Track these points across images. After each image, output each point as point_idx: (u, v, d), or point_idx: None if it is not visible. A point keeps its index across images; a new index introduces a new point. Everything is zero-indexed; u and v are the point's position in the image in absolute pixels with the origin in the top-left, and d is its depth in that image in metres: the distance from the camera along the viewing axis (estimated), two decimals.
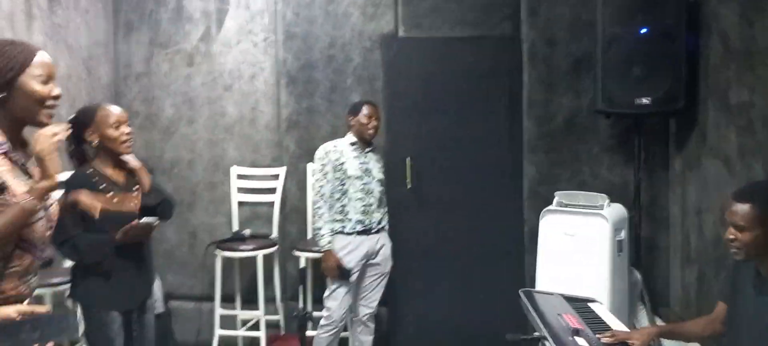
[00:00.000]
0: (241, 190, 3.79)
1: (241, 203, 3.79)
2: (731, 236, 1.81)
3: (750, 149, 2.61)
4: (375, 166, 3.15)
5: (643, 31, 3.04)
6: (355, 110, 3.14)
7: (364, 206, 3.06)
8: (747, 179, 2.55)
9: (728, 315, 1.96)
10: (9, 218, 1.34)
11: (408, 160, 3.56)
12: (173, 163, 3.89)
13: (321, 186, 3.05)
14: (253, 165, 3.85)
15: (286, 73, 3.81)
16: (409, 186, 3.55)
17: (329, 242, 3.00)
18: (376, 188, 3.11)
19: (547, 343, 1.99)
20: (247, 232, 3.59)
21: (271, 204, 3.76)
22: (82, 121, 2.18)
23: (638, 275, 3.26)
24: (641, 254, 3.33)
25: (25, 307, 1.04)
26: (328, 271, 3.03)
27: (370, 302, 3.21)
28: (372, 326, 3.27)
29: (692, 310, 3.16)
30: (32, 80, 1.44)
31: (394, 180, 3.43)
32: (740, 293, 1.90)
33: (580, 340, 1.95)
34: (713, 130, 2.94)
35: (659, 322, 3.21)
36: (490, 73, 3.61)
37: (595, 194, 3.08)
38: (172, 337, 3.67)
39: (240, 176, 3.80)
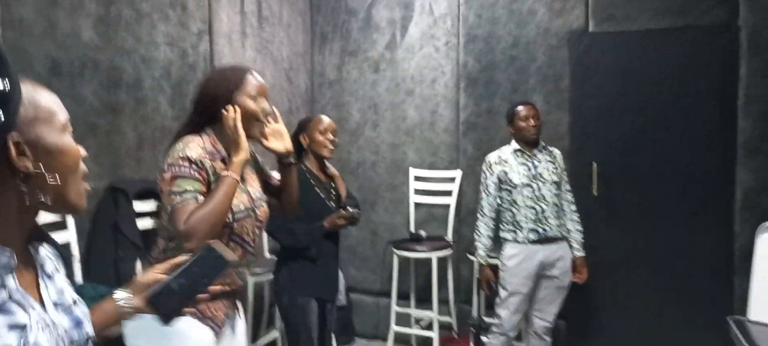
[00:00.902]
0: (418, 192, 3.87)
1: (418, 205, 3.87)
2: None
3: None
4: (546, 169, 2.93)
5: None
6: (510, 115, 2.98)
7: (535, 213, 2.88)
8: None
9: None
10: (222, 190, 1.54)
11: (594, 164, 3.29)
12: (358, 164, 4.13)
13: (481, 199, 2.98)
14: (431, 167, 3.90)
15: (466, 76, 3.79)
16: (595, 193, 3.27)
17: (482, 256, 2.95)
18: (548, 193, 2.90)
19: None
20: (423, 233, 3.65)
21: (447, 206, 3.77)
22: (301, 126, 2.59)
23: None
24: None
25: (163, 265, 1.10)
26: (481, 285, 3.01)
27: (545, 316, 3.01)
28: (548, 339, 3.06)
29: None
30: (246, 98, 1.64)
31: (579, 186, 3.19)
32: None
33: None
34: None
35: None
36: (696, 66, 3.17)
37: None
38: (352, 328, 3.88)
39: (417, 178, 3.88)
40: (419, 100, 3.96)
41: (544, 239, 2.89)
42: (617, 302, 3.26)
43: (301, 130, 2.58)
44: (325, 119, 2.58)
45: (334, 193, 2.59)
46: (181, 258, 1.09)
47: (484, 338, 3.07)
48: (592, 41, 3.43)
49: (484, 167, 2.99)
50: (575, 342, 3.34)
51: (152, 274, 1.09)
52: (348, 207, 2.46)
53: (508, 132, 3.01)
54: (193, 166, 1.54)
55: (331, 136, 2.53)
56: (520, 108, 2.95)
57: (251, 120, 1.65)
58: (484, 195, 2.97)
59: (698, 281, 3.12)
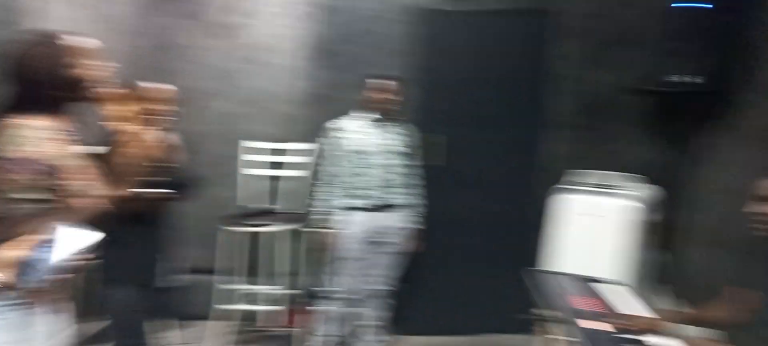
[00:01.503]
0: (266, 165, 3.79)
1: (268, 178, 3.81)
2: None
3: None
4: (396, 141, 3.11)
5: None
6: (370, 85, 3.09)
7: (381, 182, 3.03)
8: None
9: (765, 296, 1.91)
10: None
11: (435, 137, 3.55)
12: (201, 137, 3.74)
13: (322, 165, 3.05)
14: (281, 140, 3.85)
15: (319, 47, 3.79)
16: (438, 165, 3.55)
17: (326, 221, 3.02)
18: (393, 163, 3.07)
19: (556, 325, 2.02)
20: (273, 207, 3.64)
21: (299, 179, 3.78)
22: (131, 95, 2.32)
23: (661, 257, 3.21)
24: (667, 236, 3.28)
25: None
26: (326, 248, 3.06)
27: (382, 280, 3.20)
28: (387, 302, 3.28)
29: (718, 293, 3.10)
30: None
31: (424, 158, 3.40)
32: None
33: (594, 323, 1.96)
34: (748, 112, 2.85)
35: (683, 305, 3.18)
36: (524, 46, 3.54)
37: (624, 174, 3.04)
38: (179, 311, 3.64)
39: (266, 151, 3.79)
40: (268, 70, 3.89)
41: (384, 207, 3.05)
42: (448, 264, 3.60)
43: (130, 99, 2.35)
44: (160, 87, 2.42)
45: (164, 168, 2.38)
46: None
47: (322, 307, 3.17)
48: (443, 19, 3.59)
49: (324, 134, 3.04)
50: (411, 303, 3.62)
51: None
52: (162, 189, 2.30)
53: (362, 101, 3.09)
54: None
55: (165, 107, 2.39)
56: (379, 80, 3.05)
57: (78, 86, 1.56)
58: (324, 161, 3.03)
59: (520, 240, 3.51)
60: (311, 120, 3.80)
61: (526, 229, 3.57)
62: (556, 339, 2.24)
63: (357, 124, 3.07)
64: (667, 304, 3.13)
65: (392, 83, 3.06)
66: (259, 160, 3.79)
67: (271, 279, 3.60)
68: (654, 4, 3.10)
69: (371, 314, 3.26)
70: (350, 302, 3.15)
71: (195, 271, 3.77)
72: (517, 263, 3.54)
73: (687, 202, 3.38)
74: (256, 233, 3.54)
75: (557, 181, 3.42)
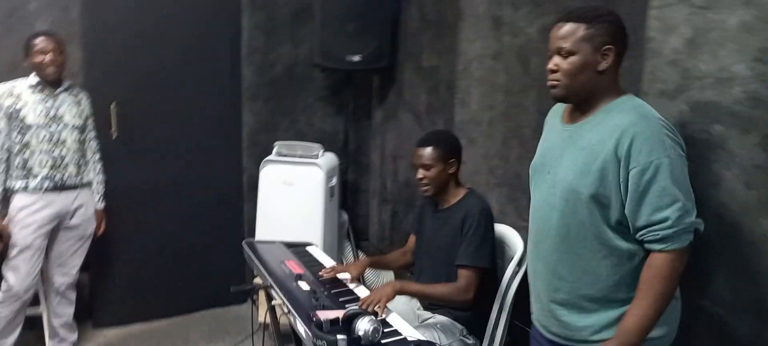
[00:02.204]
0: None
1: None
2: (420, 176, 2.15)
3: (435, 107, 3.09)
4: (69, 111, 2.69)
5: None
6: (27, 45, 2.60)
7: (52, 158, 2.61)
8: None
9: (416, 244, 2.34)
10: None
11: (112, 105, 3.16)
12: None
13: None
14: None
15: None
16: (114, 136, 3.17)
17: None
18: (70, 137, 2.67)
19: (272, 291, 2.07)
20: None
21: None
22: None
23: (345, 216, 3.60)
24: (347, 197, 3.69)
25: None
26: None
27: (68, 270, 2.81)
28: (73, 295, 2.89)
29: (387, 242, 3.66)
30: None
31: (97, 129, 3.00)
32: (424, 223, 2.29)
33: (302, 284, 2.07)
34: (408, 88, 3.38)
35: (362, 255, 3.63)
36: (209, 13, 3.41)
37: (311, 144, 3.26)
38: None
39: None
40: None
41: (61, 187, 2.66)
42: (141, 244, 3.31)
43: None
44: None
45: None
46: None
47: None
48: None
49: None
50: (100, 293, 3.25)
51: None
52: None
53: (27, 65, 2.59)
54: None
55: None
56: (38, 39, 2.56)
57: None
58: None
59: (215, 211, 3.50)
60: None
61: (229, 199, 3.53)
62: (274, 306, 2.29)
63: (27, 91, 2.55)
64: (349, 255, 3.53)
65: (54, 41, 2.59)
66: None
67: None
68: None
69: (56, 310, 2.83)
70: (27, 300, 2.66)
71: None
72: (225, 235, 3.50)
73: (364, 167, 3.84)
74: None
75: (255, 151, 3.47)
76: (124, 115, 3.20)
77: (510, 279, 2.10)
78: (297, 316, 1.75)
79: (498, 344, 2.10)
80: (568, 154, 1.44)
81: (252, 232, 3.25)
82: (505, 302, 2.10)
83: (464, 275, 2.04)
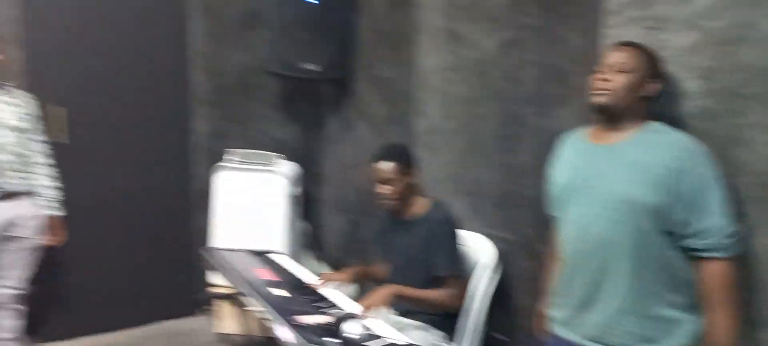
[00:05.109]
0: None
1: None
2: (383, 191, 2.19)
3: (393, 116, 3.17)
4: (9, 112, 2.54)
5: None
6: None
7: None
8: (390, 140, 3.10)
9: (385, 258, 2.37)
10: None
11: (54, 108, 3.01)
12: None
13: None
14: None
15: None
16: (54, 140, 3.01)
17: None
18: (9, 140, 2.52)
19: (247, 298, 2.06)
20: None
21: None
22: None
23: (306, 225, 3.61)
24: (304, 206, 3.69)
25: None
26: None
27: (11, 283, 2.65)
28: (18, 308, 2.71)
29: (345, 252, 3.69)
30: None
31: (37, 132, 2.84)
32: (387, 236, 2.33)
33: (275, 290, 2.08)
34: (364, 98, 3.45)
35: (323, 265, 3.65)
36: (155, 20, 3.33)
37: (267, 153, 3.25)
38: None
39: None
40: None
41: (3, 196, 2.51)
42: (88, 254, 3.17)
43: None
44: None
45: None
46: None
47: None
48: None
49: None
50: (47, 304, 3.07)
51: None
52: None
53: None
54: None
55: None
56: None
57: None
58: None
59: (161, 221, 3.40)
60: None
61: (178, 208, 3.44)
62: (247, 313, 2.27)
63: None
64: (312, 266, 3.53)
65: None
66: None
67: None
68: None
69: (2, 325, 2.66)
70: None
71: None
72: (174, 244, 3.41)
73: (320, 176, 3.86)
74: None
75: (205, 158, 3.41)
76: (66, 120, 3.06)
77: (486, 286, 2.20)
78: (282, 322, 1.76)
79: None
80: (615, 169, 1.55)
81: (202, 241, 3.18)
82: (482, 308, 2.19)
83: (454, 283, 2.10)
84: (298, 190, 3.44)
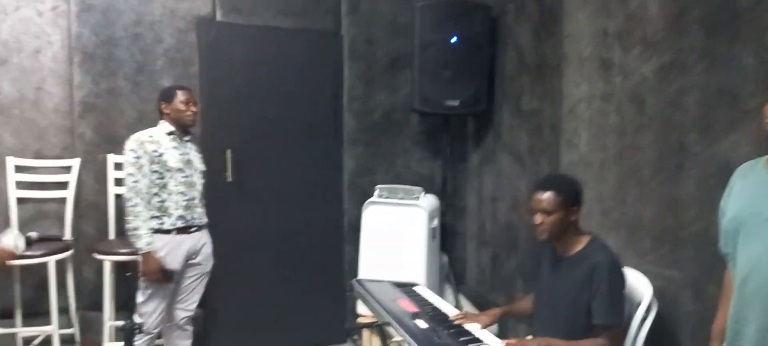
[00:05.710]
0: (21, 185, 3.20)
1: (21, 200, 3.20)
2: (539, 221, 2.09)
3: (539, 148, 3.08)
4: (196, 156, 2.92)
5: (454, 39, 3.37)
6: (168, 96, 2.85)
7: (186, 200, 2.82)
8: (535, 173, 3.02)
9: (534, 293, 2.28)
10: None
11: (228, 151, 3.40)
12: None
13: (135, 181, 2.72)
14: (38, 155, 3.28)
15: (81, 49, 3.31)
16: (229, 179, 3.40)
17: (149, 243, 2.71)
18: (199, 181, 2.89)
19: (390, 328, 2.11)
20: (33, 234, 3.04)
21: (62, 200, 3.25)
22: None
23: (445, 258, 3.62)
24: (445, 240, 3.71)
25: None
26: (150, 274, 2.72)
27: (188, 305, 2.97)
28: (190, 329, 3.05)
29: (487, 286, 3.62)
30: None
31: (213, 172, 3.23)
32: (541, 271, 2.23)
33: (419, 322, 2.10)
34: (507, 131, 3.40)
35: (462, 298, 3.61)
36: (313, 65, 3.63)
37: (411, 187, 3.33)
38: None
39: (19, 169, 3.20)
40: (17, 73, 3.24)
41: (191, 228, 2.85)
42: (249, 282, 3.48)
43: None
44: None
45: None
46: None
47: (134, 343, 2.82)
48: (219, 30, 3.50)
49: (132, 146, 2.70)
50: (213, 327, 3.42)
51: None
52: None
53: (161, 111, 2.82)
54: None
55: None
56: (180, 91, 2.83)
57: None
58: (137, 175, 2.68)
59: (316, 253, 3.63)
60: (83, 132, 3.32)
61: (331, 240, 3.66)
62: (392, 344, 2.33)
63: (165, 138, 2.79)
64: (449, 297, 3.52)
65: (190, 94, 2.85)
66: (34, 180, 3.25)
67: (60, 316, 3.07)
68: (428, 36, 3.48)
69: (175, 343, 2.99)
70: (155, 334, 2.83)
71: None
72: (328, 275, 3.63)
73: (462, 210, 3.86)
74: (40, 264, 2.98)
75: (355, 194, 3.59)
76: (236, 162, 3.43)
77: (639, 325, 2.02)
78: None
79: None
80: None
81: (353, 272, 3.33)
82: None
83: (609, 335, 1.94)
84: (438, 223, 3.46)
